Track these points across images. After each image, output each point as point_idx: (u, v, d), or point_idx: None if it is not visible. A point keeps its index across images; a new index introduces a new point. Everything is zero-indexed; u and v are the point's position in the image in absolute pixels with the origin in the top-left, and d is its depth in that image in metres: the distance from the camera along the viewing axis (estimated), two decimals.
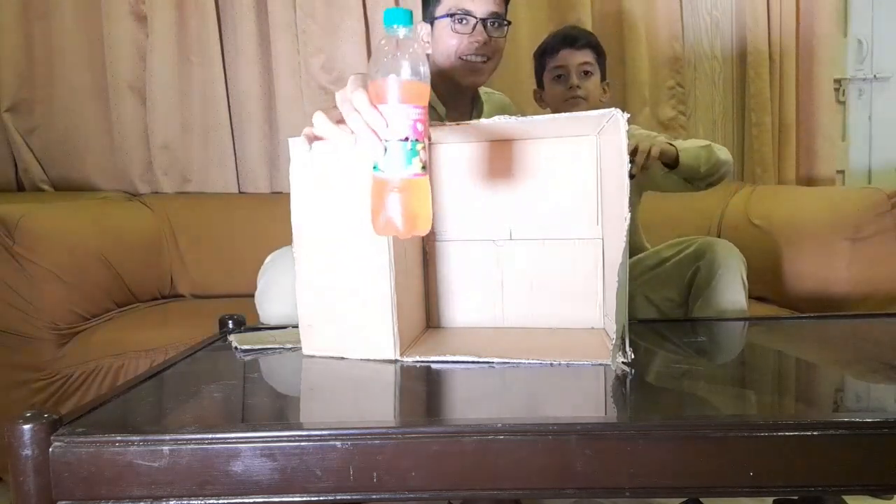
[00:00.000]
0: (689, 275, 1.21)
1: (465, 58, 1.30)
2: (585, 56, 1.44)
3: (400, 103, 0.67)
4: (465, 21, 1.29)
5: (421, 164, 0.69)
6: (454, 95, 1.38)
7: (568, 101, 1.43)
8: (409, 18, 0.68)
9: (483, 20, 1.28)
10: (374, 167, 0.69)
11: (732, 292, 1.16)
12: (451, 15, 1.29)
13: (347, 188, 0.82)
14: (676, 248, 1.26)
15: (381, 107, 0.68)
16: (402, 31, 0.68)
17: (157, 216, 1.91)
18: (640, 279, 1.28)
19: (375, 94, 0.68)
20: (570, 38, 1.46)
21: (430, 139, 0.72)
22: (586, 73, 1.44)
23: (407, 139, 0.68)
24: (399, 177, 0.68)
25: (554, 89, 1.46)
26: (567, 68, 1.43)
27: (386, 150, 0.68)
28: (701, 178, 1.32)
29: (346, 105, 0.69)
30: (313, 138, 0.77)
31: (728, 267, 1.17)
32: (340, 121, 0.71)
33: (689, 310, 1.22)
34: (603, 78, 1.49)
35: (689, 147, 1.30)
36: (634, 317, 0.90)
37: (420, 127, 0.68)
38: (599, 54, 1.47)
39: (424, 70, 0.68)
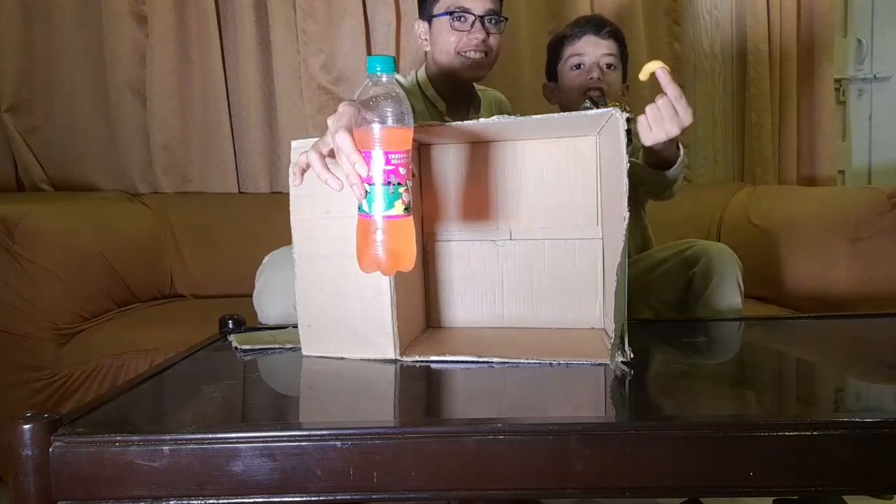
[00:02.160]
0: (684, 281, 1.19)
1: (464, 54, 1.31)
2: (610, 47, 1.32)
3: (383, 150, 0.70)
4: (463, 19, 1.30)
5: (403, 206, 0.72)
6: (453, 91, 1.40)
7: (587, 92, 1.29)
8: (391, 65, 0.71)
9: (481, 17, 1.30)
10: (359, 208, 0.72)
11: (728, 298, 1.15)
12: (451, 13, 1.30)
13: (346, 188, 0.82)
14: (671, 251, 1.24)
15: (365, 152, 0.70)
16: (384, 78, 0.71)
17: (157, 216, 1.91)
18: (636, 282, 1.27)
19: (360, 141, 0.70)
20: (597, 23, 1.34)
21: (415, 175, 0.75)
22: (609, 65, 1.31)
23: (389, 183, 0.70)
24: (382, 218, 0.71)
25: (572, 79, 1.33)
26: (589, 57, 1.31)
27: (369, 193, 0.70)
28: (656, 193, 1.20)
29: (336, 146, 0.72)
30: (306, 168, 0.78)
31: (723, 274, 1.15)
32: (331, 153, 0.74)
33: (684, 314, 1.21)
34: (623, 79, 1.37)
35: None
36: (633, 318, 0.89)
37: (402, 171, 0.71)
38: (623, 49, 1.36)
39: (408, 114, 0.71)
